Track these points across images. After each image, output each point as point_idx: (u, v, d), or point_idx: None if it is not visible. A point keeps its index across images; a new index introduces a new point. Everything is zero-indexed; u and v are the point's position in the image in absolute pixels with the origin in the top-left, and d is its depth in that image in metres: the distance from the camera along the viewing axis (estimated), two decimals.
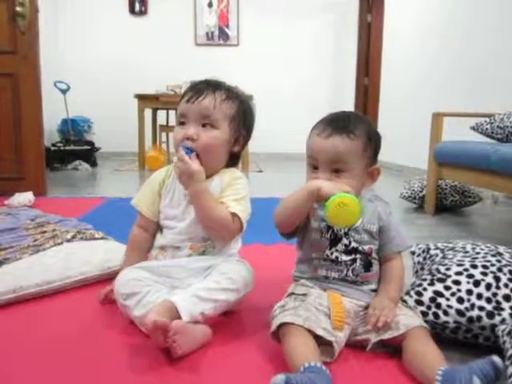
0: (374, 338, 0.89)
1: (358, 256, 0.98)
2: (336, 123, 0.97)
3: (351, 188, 0.93)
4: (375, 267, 1.01)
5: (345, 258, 0.97)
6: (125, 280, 1.00)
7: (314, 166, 0.99)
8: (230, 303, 1.00)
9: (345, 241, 0.98)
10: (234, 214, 1.03)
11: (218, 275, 1.00)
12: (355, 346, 0.93)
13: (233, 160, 1.15)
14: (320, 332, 0.86)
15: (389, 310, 0.90)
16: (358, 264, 0.98)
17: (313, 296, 0.94)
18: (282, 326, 0.88)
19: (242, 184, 1.09)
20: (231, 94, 1.09)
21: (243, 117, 1.11)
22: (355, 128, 0.96)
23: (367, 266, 0.99)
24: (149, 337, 0.92)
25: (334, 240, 0.98)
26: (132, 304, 0.97)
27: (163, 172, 1.16)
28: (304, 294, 0.95)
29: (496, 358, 0.73)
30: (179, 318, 0.87)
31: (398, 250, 1.03)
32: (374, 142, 0.99)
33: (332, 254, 0.98)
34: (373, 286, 1.00)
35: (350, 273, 0.97)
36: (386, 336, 0.88)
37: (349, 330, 0.92)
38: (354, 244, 0.98)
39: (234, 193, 1.06)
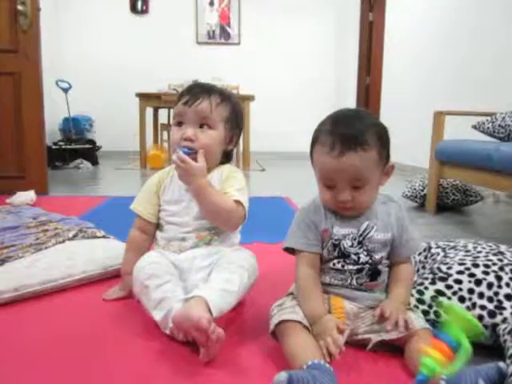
0: (375, 338, 0.89)
1: (367, 266, 0.95)
2: (344, 135, 0.87)
3: (370, 199, 0.92)
4: (383, 276, 0.97)
5: (351, 267, 0.95)
6: (149, 261, 1.04)
7: (326, 185, 0.92)
8: (245, 292, 1.04)
9: (353, 257, 0.94)
10: (238, 202, 1.07)
11: (230, 265, 1.03)
12: (356, 344, 0.93)
13: (226, 157, 1.20)
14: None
15: (403, 313, 0.88)
16: (364, 273, 0.95)
17: None
18: (280, 324, 0.88)
19: (240, 177, 1.15)
20: (224, 97, 1.14)
21: (236, 118, 1.17)
22: (366, 135, 0.87)
23: (374, 275, 0.96)
24: (148, 333, 0.92)
25: (342, 256, 0.95)
26: (152, 285, 0.98)
27: (160, 174, 1.21)
28: None
29: (502, 364, 0.73)
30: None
31: (411, 254, 1.01)
32: (385, 141, 0.92)
33: (339, 263, 0.95)
34: (376, 295, 0.97)
35: (354, 281, 0.95)
36: (389, 337, 0.88)
37: (348, 332, 0.91)
38: (363, 259, 0.94)
39: (235, 183, 1.11)
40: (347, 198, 0.90)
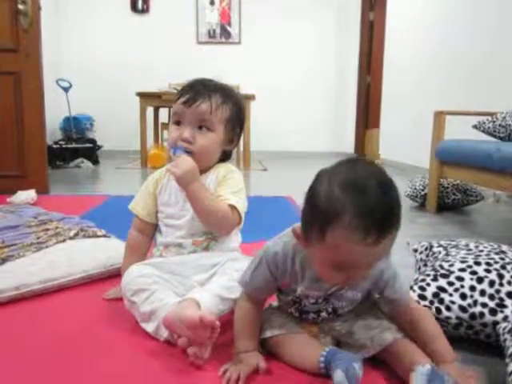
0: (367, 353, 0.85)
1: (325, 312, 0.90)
2: (381, 219, 0.68)
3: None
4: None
5: (311, 315, 0.91)
6: (133, 276, 1.00)
7: (338, 267, 0.74)
8: None
9: (312, 315, 0.90)
10: (232, 206, 1.04)
11: (233, 273, 1.00)
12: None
13: (225, 155, 1.16)
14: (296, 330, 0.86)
15: (463, 376, 0.78)
16: (324, 314, 0.90)
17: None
18: (265, 342, 0.88)
19: (238, 177, 1.11)
20: (226, 96, 1.09)
21: (237, 117, 1.12)
22: (399, 214, 0.71)
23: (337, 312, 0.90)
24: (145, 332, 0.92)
25: (299, 310, 0.91)
26: (139, 300, 0.97)
27: (157, 173, 1.18)
28: (279, 306, 0.96)
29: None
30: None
31: (403, 302, 0.88)
32: None
33: (296, 311, 0.92)
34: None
35: (319, 319, 0.91)
36: (364, 355, 0.83)
37: (332, 340, 0.90)
38: (324, 315, 0.90)
39: (230, 186, 1.07)
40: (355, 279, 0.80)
